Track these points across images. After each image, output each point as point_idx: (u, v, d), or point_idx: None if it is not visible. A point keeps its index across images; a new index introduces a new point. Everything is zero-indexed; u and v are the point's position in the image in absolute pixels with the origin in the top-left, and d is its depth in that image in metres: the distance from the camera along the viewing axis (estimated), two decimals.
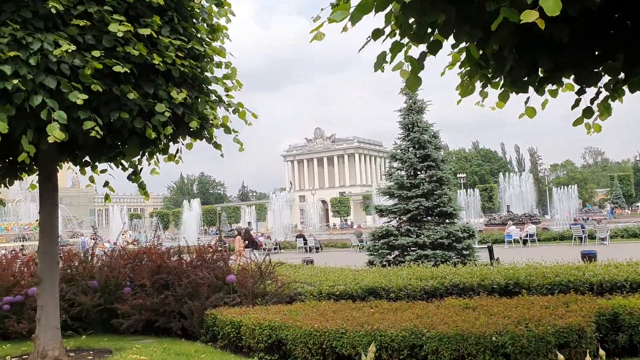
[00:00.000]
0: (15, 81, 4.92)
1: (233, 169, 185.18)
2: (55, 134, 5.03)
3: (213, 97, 7.04)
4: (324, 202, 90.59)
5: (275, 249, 30.97)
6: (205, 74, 6.83)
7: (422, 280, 7.78)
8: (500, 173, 66.68)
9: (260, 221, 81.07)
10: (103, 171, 7.85)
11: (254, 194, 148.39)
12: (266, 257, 8.57)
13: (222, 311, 7.39)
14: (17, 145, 6.23)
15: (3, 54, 4.95)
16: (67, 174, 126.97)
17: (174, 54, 6.03)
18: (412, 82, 3.93)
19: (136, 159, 7.51)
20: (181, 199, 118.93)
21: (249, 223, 56.59)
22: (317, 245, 30.63)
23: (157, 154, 7.26)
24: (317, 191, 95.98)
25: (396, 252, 13.24)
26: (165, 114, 5.97)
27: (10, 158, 7.29)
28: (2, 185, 7.38)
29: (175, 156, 7.12)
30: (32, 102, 5.11)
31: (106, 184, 8.22)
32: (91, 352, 6.96)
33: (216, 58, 7.09)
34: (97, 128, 5.36)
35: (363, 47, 3.94)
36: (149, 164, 7.59)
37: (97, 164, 7.75)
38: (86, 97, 5.22)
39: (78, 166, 7.65)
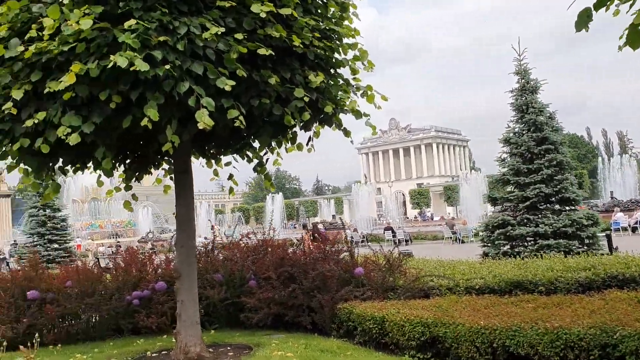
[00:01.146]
0: (168, 67, 4.71)
1: (305, 164, 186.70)
2: (205, 120, 4.79)
3: (340, 81, 6.67)
4: (400, 193, 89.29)
5: (362, 242, 30.55)
6: (336, 55, 6.45)
7: (574, 271, 7.08)
8: (600, 158, 63.06)
9: (338, 214, 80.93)
10: (227, 164, 7.69)
11: (328, 187, 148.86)
12: (394, 250, 8.13)
13: (357, 305, 7.04)
14: (150, 137, 6.15)
15: (153, 39, 4.76)
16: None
17: (310, 35, 5.69)
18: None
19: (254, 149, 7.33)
20: (259, 194, 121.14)
21: (333, 216, 56.49)
22: (406, 237, 29.93)
23: (286, 143, 6.98)
24: (393, 183, 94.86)
25: (512, 243, 12.45)
26: (305, 98, 5.65)
27: (139, 153, 7.25)
28: (134, 180, 7.35)
29: (307, 144, 6.78)
30: (179, 89, 4.89)
31: (230, 176, 8.06)
32: (229, 348, 6.79)
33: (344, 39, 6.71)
34: (241, 117, 5.09)
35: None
36: (273, 154, 7.36)
37: (221, 156, 7.62)
38: (234, 83, 4.96)
39: (204, 159, 7.53)
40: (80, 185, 63.38)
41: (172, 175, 7.69)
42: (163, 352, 6.80)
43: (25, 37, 4.92)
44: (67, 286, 8.43)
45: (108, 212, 61.72)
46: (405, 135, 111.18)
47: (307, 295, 7.74)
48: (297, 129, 6.71)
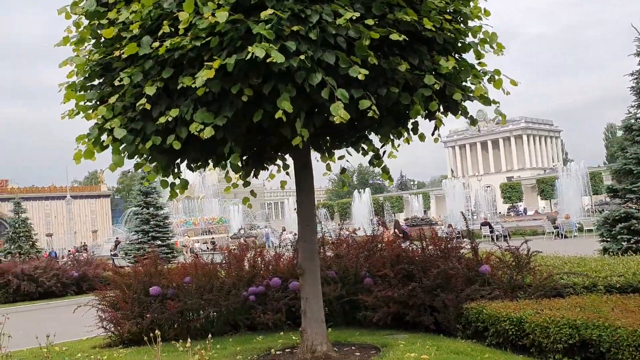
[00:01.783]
0: (302, 57, 4.54)
1: (388, 159, 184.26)
2: (340, 113, 4.58)
3: (469, 67, 6.25)
4: (490, 188, 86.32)
5: (457, 238, 29.58)
6: (464, 38, 6.05)
7: None
8: None
9: (425, 209, 79.47)
10: (340, 157, 7.50)
11: (413, 182, 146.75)
12: (523, 246, 7.61)
13: (486, 305, 6.62)
14: (269, 132, 6.04)
15: (286, 29, 4.60)
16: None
17: (440, 17, 5.35)
18: None
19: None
20: (342, 191, 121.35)
21: (425, 211, 55.40)
22: (504, 233, 28.75)
23: (407, 133, 6.67)
24: (482, 177, 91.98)
25: (638, 237, 11.46)
26: (435, 86, 5.32)
27: (255, 149, 7.19)
28: (252, 175, 7.31)
29: (433, 133, 6.43)
30: (311, 80, 4.71)
31: (343, 170, 7.88)
32: (353, 347, 6.60)
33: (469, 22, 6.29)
34: (374, 107, 4.85)
35: None
36: (388, 145, 7.07)
37: (335, 150, 7.42)
38: (367, 72, 4.72)
39: (319, 153, 7.36)
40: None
41: (288, 171, 7.63)
42: (287, 350, 6.71)
43: (158, 34, 4.93)
44: (186, 282, 8.56)
45: (201, 210, 63.91)
46: (494, 127, 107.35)
47: (428, 294, 7.41)
48: (418, 118, 6.39)
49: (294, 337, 7.36)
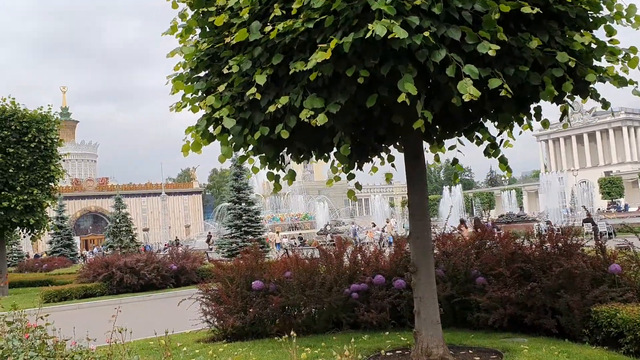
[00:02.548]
0: (427, 34, 4.15)
1: (476, 154, 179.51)
2: (470, 90, 4.15)
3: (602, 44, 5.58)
4: (586, 183, 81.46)
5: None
6: (598, 12, 5.41)
7: None
8: None
9: (519, 206, 76.25)
10: (451, 147, 7.01)
11: (503, 178, 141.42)
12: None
13: (620, 308, 5.97)
14: (376, 120, 5.69)
15: (407, 4, 4.22)
16: (324, 165, 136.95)
17: None
18: None
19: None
20: (429, 187, 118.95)
21: (520, 208, 53.05)
22: (609, 230, 26.83)
23: (528, 119, 6.10)
24: (578, 171, 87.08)
25: None
26: (570, 63, 4.75)
27: (357, 140, 6.86)
28: (356, 168, 7.00)
29: (562, 119, 5.83)
30: (434, 57, 4.31)
31: (455, 161, 7.39)
32: (470, 351, 6.13)
33: None
34: (506, 86, 4.36)
35: None
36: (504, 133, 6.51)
37: (445, 139, 6.96)
38: (498, 47, 4.26)
39: (428, 143, 6.91)
40: (261, 181, 67.52)
41: (393, 163, 7.25)
42: (397, 352, 6.34)
43: (269, 18, 4.71)
44: (287, 277, 8.39)
45: (287, 206, 64.79)
46: (590, 119, 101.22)
47: (549, 295, 6.79)
48: (540, 102, 5.81)
49: (402, 338, 6.98)
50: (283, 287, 8.16)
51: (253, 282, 8.18)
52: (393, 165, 7.20)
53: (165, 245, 53.48)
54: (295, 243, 39.80)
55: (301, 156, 6.42)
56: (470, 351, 6.13)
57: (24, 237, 19.80)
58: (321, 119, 4.53)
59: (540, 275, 6.98)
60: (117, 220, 33.92)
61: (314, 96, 4.71)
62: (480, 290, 7.39)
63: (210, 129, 5.61)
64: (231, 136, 5.44)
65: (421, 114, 4.52)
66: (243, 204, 26.14)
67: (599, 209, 64.12)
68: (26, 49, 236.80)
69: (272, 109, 4.80)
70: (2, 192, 17.57)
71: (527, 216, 38.49)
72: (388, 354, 6.29)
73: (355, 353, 6.34)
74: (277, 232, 40.63)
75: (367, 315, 7.83)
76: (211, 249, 30.64)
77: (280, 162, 6.18)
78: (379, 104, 4.90)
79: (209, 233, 53.51)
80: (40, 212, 18.54)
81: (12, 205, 17.56)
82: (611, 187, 74.79)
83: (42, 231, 19.23)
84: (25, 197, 17.77)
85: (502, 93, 4.33)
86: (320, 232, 45.08)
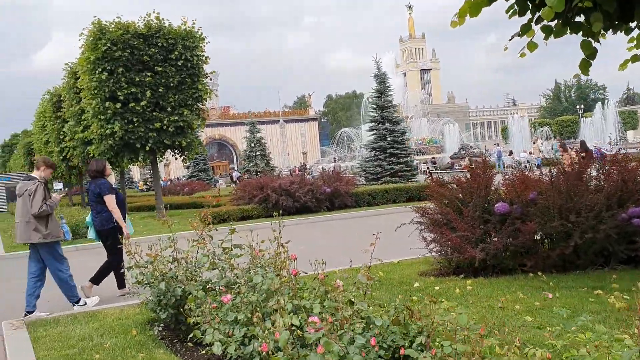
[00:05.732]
0: None
1: (612, 70, 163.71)
2: None
3: None
4: None
5: None
6: None
7: None
8: None
9: None
10: None
11: None
12: None
13: None
14: None
15: None
16: (442, 89, 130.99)
17: None
18: None
19: None
20: (559, 107, 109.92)
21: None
22: None
23: None
24: None
25: None
26: None
27: None
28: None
29: None
30: None
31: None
32: None
33: None
34: None
35: None
36: None
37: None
38: None
39: None
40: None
41: None
42: None
43: None
44: (532, 199, 6.55)
45: (410, 130, 62.21)
46: None
47: None
48: None
49: None
50: (536, 211, 6.34)
51: (497, 205, 6.43)
52: None
53: (292, 170, 53.73)
54: (427, 168, 37.76)
55: None
56: None
57: (176, 159, 19.39)
58: None
59: None
60: (252, 145, 33.60)
61: None
62: None
63: None
64: None
65: None
66: (387, 124, 24.22)
67: None
68: None
69: None
70: (154, 113, 17.01)
71: None
72: None
73: None
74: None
75: None
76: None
77: None
78: None
79: (334, 158, 52.87)
80: (190, 133, 17.91)
81: (164, 127, 17.00)
82: None
83: (192, 154, 18.71)
84: (176, 117, 17.10)
85: None
86: (454, 156, 42.47)
